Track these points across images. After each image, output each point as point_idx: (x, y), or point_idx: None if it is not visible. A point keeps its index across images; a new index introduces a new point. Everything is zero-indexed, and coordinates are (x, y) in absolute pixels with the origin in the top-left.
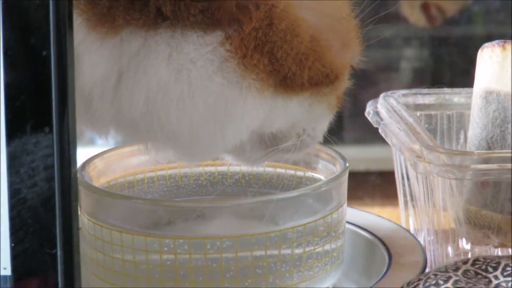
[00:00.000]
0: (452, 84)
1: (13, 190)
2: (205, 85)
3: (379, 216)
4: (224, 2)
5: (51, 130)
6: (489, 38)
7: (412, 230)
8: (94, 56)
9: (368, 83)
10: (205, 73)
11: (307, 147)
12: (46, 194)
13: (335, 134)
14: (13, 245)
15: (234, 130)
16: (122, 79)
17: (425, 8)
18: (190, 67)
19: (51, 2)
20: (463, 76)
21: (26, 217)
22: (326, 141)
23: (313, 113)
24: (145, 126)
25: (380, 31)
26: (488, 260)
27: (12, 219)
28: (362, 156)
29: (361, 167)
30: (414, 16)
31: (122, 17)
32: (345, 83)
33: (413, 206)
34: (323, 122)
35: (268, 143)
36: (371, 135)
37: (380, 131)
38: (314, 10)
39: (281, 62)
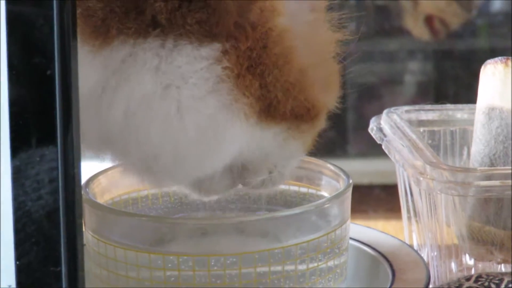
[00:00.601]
0: (456, 97)
1: (17, 206)
2: (196, 106)
3: (382, 232)
4: (223, 18)
5: (55, 149)
6: (493, 51)
7: (415, 245)
8: (86, 70)
9: (372, 96)
10: (197, 93)
11: (273, 184)
12: (50, 210)
13: (340, 148)
14: (17, 262)
15: (221, 154)
16: (105, 89)
17: (428, 21)
18: (180, 84)
19: (55, 21)
20: (466, 89)
21: (30, 234)
22: (331, 154)
23: (286, 149)
24: (123, 142)
25: (384, 44)
26: (491, 277)
27: (16, 236)
28: (366, 169)
29: (365, 180)
30: (418, 29)
31: (116, 27)
32: (322, 124)
33: (417, 222)
34: (293, 161)
35: (236, 175)
36: (375, 148)
37: (383, 147)
38: (306, 43)
39: (269, 87)
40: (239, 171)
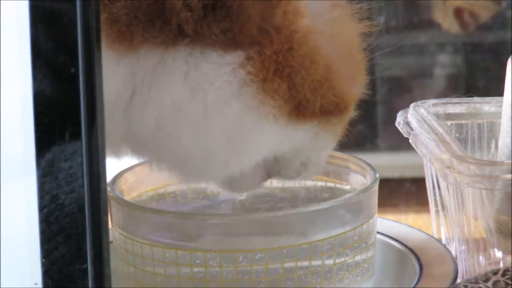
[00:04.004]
0: (486, 89)
1: (42, 207)
2: (222, 109)
3: (409, 226)
4: (245, 25)
5: (80, 148)
6: None
7: (444, 239)
8: (110, 75)
9: (401, 89)
10: (222, 95)
11: (309, 174)
12: (76, 209)
13: (370, 141)
14: (44, 260)
15: (249, 155)
16: (135, 96)
17: (458, 14)
18: (206, 87)
19: (79, 20)
20: (497, 81)
21: (56, 232)
22: (361, 148)
23: (318, 142)
24: (154, 144)
25: (414, 37)
26: None
27: (42, 234)
28: (396, 163)
29: (395, 174)
30: (447, 22)
31: (141, 34)
32: (352, 113)
33: (445, 216)
34: (327, 150)
35: (269, 169)
36: (405, 142)
37: (410, 141)
38: (330, 39)
39: (298, 88)
40: (272, 165)
